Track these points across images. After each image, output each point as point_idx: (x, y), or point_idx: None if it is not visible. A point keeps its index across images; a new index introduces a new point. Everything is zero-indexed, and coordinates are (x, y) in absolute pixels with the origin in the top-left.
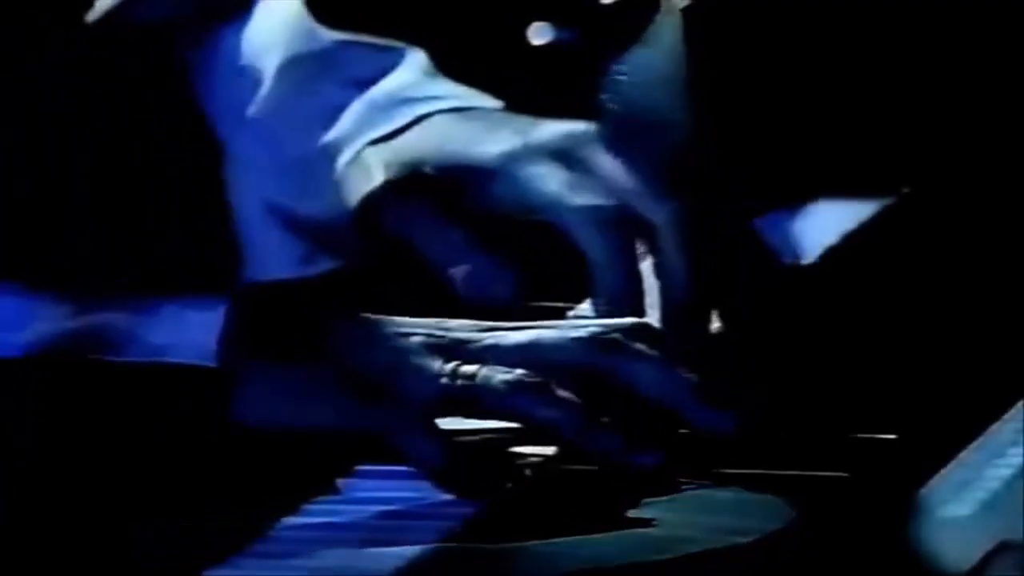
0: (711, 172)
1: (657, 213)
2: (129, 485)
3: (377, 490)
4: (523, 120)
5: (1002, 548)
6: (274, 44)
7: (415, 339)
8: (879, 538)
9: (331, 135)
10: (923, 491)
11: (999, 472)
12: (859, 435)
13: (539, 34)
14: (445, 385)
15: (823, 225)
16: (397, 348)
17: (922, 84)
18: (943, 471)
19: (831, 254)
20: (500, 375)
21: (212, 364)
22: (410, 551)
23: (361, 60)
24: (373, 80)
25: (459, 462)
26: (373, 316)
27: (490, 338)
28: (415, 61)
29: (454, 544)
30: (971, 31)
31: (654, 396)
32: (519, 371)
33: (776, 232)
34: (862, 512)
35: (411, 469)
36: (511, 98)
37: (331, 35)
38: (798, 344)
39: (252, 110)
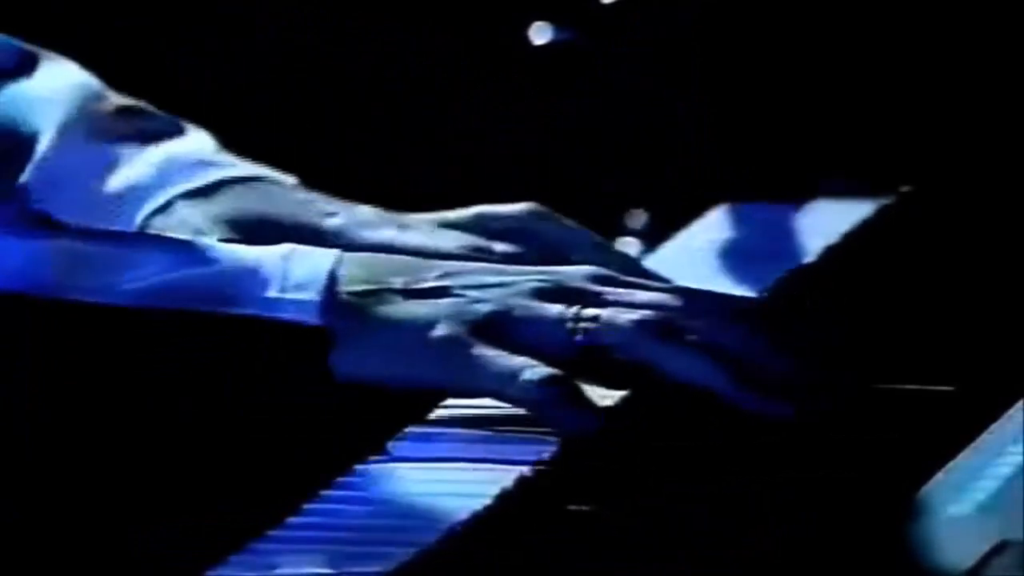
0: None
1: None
2: (131, 482)
3: (377, 489)
4: (313, 195)
5: (1002, 547)
6: (58, 101)
7: (527, 284)
8: (879, 538)
9: (130, 181)
10: (923, 491)
11: (999, 472)
12: (860, 434)
13: (539, 34)
14: (569, 330)
15: (823, 225)
16: (510, 293)
17: (923, 84)
18: (943, 471)
19: (829, 254)
20: (625, 315)
21: (316, 322)
22: (409, 551)
23: (150, 119)
24: (162, 139)
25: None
26: (476, 263)
27: (604, 287)
28: (201, 134)
29: (453, 544)
30: (971, 30)
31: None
32: (645, 312)
33: (776, 231)
34: (863, 512)
35: (409, 469)
36: (511, 96)
37: (118, 98)
38: (797, 344)
39: (39, 159)
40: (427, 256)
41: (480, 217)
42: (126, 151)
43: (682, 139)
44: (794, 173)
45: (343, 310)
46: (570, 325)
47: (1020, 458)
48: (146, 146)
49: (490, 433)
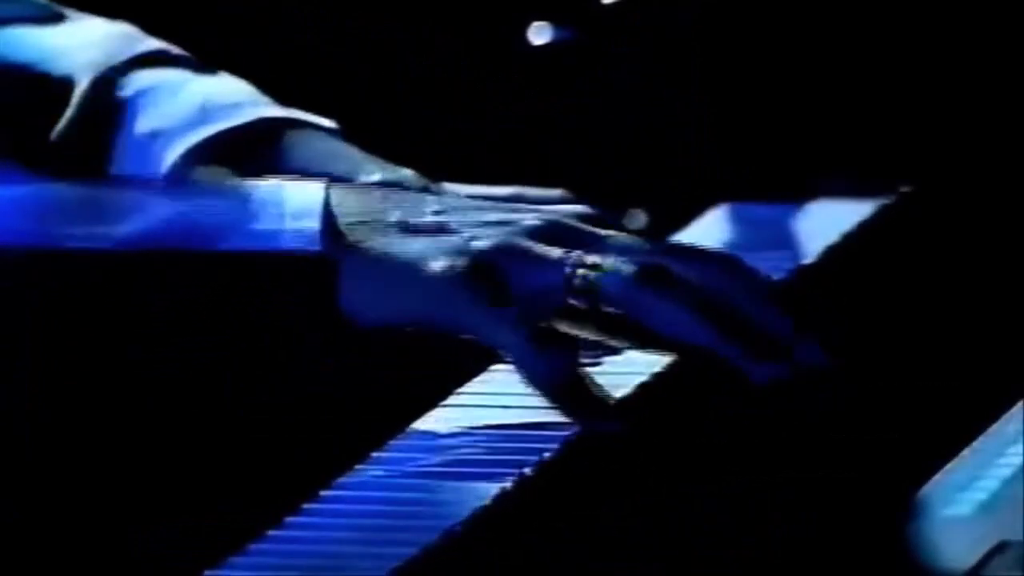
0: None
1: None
2: (130, 480)
3: (376, 489)
4: (352, 149)
5: (1002, 547)
6: (90, 45)
7: (527, 221)
8: (879, 538)
9: (167, 119)
10: (923, 491)
11: (999, 472)
12: (860, 434)
13: (539, 34)
14: (568, 274)
15: (823, 225)
16: (509, 231)
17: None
18: (943, 471)
19: (829, 254)
20: (626, 265)
21: (318, 249)
22: (409, 551)
23: (187, 62)
24: (200, 78)
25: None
26: (477, 194)
27: (607, 234)
28: (237, 80)
29: (452, 544)
30: (971, 30)
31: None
32: (645, 262)
33: (776, 231)
34: (863, 512)
35: (409, 469)
36: (511, 96)
37: (155, 41)
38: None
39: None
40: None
41: (516, 195)
42: (163, 90)
43: (682, 139)
44: (794, 173)
45: (342, 239)
46: (568, 270)
47: (1020, 458)
48: (184, 85)
49: (490, 433)
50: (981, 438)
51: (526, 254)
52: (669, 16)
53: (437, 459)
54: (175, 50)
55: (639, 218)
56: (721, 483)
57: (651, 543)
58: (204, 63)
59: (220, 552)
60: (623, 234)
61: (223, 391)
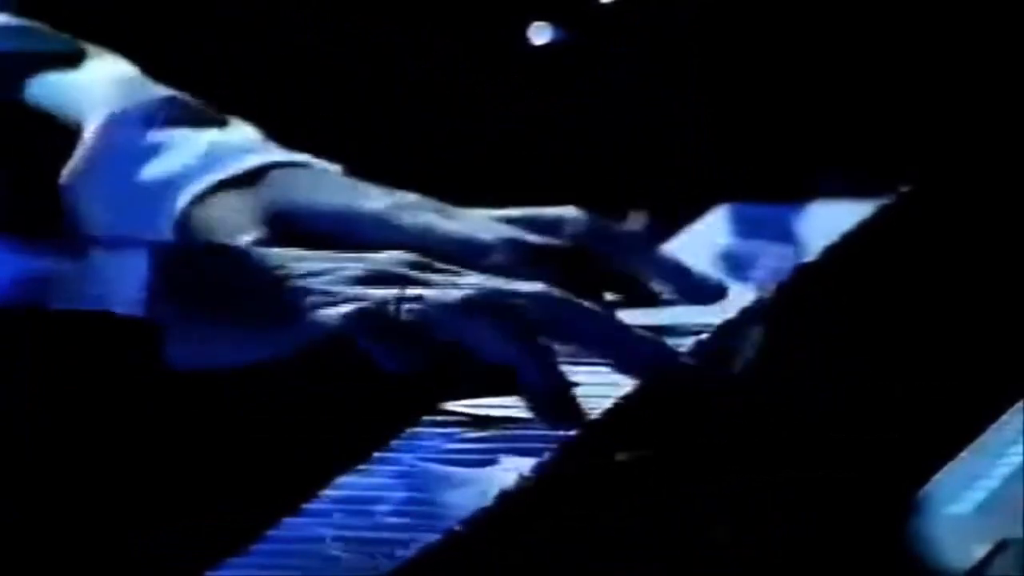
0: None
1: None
2: (127, 483)
3: (376, 489)
4: (357, 182)
5: (1002, 547)
6: (103, 90)
7: (348, 271)
8: (879, 538)
9: (174, 167)
10: (923, 491)
11: (999, 471)
12: (860, 434)
13: (539, 34)
14: (394, 310)
15: (823, 225)
16: (332, 280)
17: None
18: (943, 471)
19: (829, 254)
20: (453, 295)
21: (141, 314)
22: (409, 551)
23: (195, 110)
24: (206, 128)
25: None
26: (290, 251)
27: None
28: (245, 125)
29: (452, 544)
30: (971, 30)
31: (596, 345)
32: (470, 291)
33: (776, 231)
34: (863, 512)
35: (409, 469)
36: (511, 96)
37: (163, 89)
38: (798, 344)
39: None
40: (463, 245)
41: (527, 216)
42: (170, 139)
43: (682, 139)
44: (794, 173)
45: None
46: (392, 307)
47: (1020, 458)
48: (190, 134)
49: (489, 433)
50: (981, 438)
51: (348, 298)
52: (668, 16)
53: (437, 459)
54: (183, 97)
55: (639, 218)
56: (721, 483)
57: (651, 543)
58: (214, 110)
59: (220, 552)
60: (440, 273)
61: (223, 391)
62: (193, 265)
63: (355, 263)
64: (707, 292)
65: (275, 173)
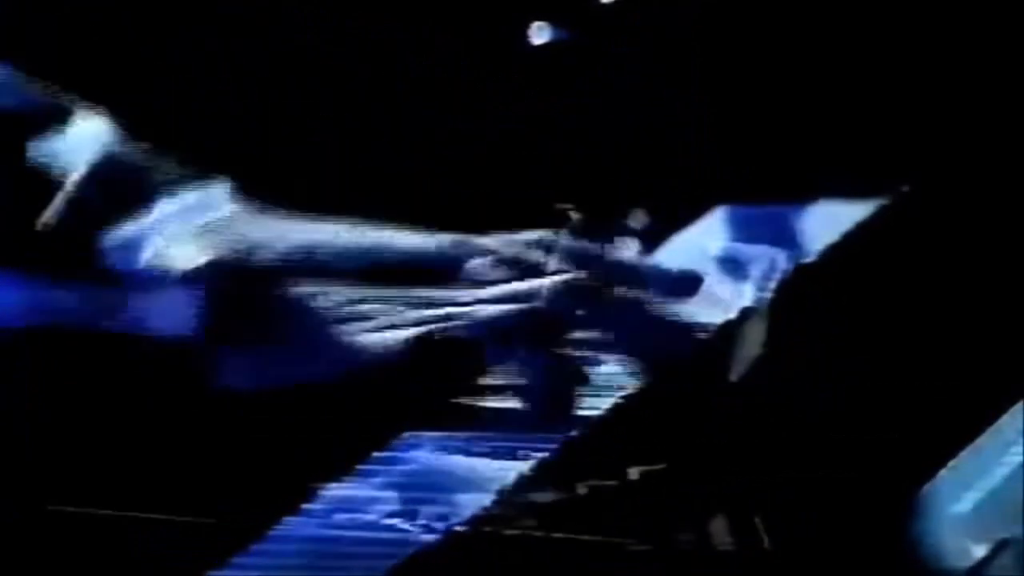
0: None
1: None
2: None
3: (376, 489)
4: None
5: (1002, 545)
6: (85, 151)
7: (374, 305)
8: (879, 537)
9: (150, 219)
10: (924, 490)
11: (1000, 470)
12: (860, 434)
13: (539, 34)
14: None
15: (823, 224)
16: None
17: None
18: (943, 471)
19: (830, 254)
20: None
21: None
22: (408, 551)
23: (165, 172)
24: (175, 189)
25: None
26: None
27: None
28: (216, 187)
29: (452, 544)
30: (971, 30)
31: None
32: (504, 307)
33: (776, 231)
34: (862, 512)
35: (409, 469)
36: (511, 96)
37: (137, 151)
38: (797, 344)
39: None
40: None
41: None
42: (141, 198)
43: (682, 139)
44: (794, 173)
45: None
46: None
47: (1020, 458)
48: (159, 194)
49: (490, 433)
50: (981, 438)
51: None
52: (669, 16)
53: (437, 459)
54: (152, 161)
55: (639, 218)
56: (721, 483)
57: (651, 543)
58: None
59: (220, 552)
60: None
61: (224, 391)
62: (255, 296)
63: (395, 292)
64: (682, 287)
65: (236, 216)
